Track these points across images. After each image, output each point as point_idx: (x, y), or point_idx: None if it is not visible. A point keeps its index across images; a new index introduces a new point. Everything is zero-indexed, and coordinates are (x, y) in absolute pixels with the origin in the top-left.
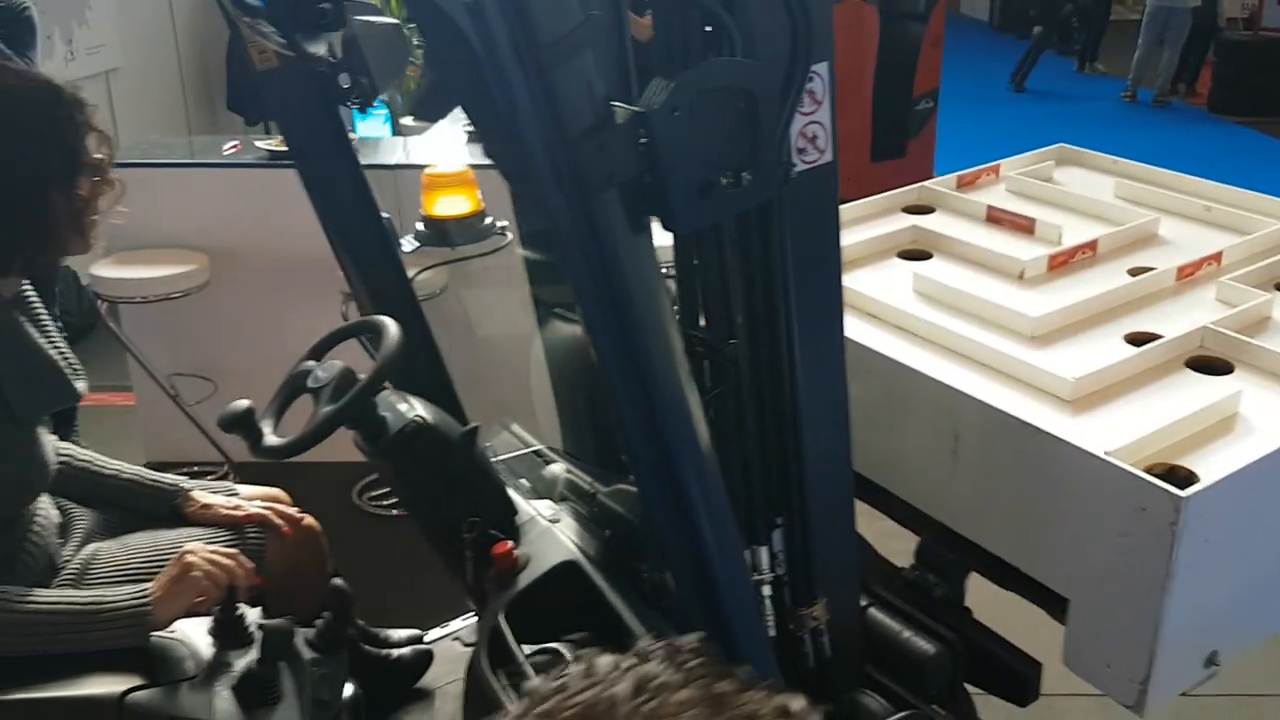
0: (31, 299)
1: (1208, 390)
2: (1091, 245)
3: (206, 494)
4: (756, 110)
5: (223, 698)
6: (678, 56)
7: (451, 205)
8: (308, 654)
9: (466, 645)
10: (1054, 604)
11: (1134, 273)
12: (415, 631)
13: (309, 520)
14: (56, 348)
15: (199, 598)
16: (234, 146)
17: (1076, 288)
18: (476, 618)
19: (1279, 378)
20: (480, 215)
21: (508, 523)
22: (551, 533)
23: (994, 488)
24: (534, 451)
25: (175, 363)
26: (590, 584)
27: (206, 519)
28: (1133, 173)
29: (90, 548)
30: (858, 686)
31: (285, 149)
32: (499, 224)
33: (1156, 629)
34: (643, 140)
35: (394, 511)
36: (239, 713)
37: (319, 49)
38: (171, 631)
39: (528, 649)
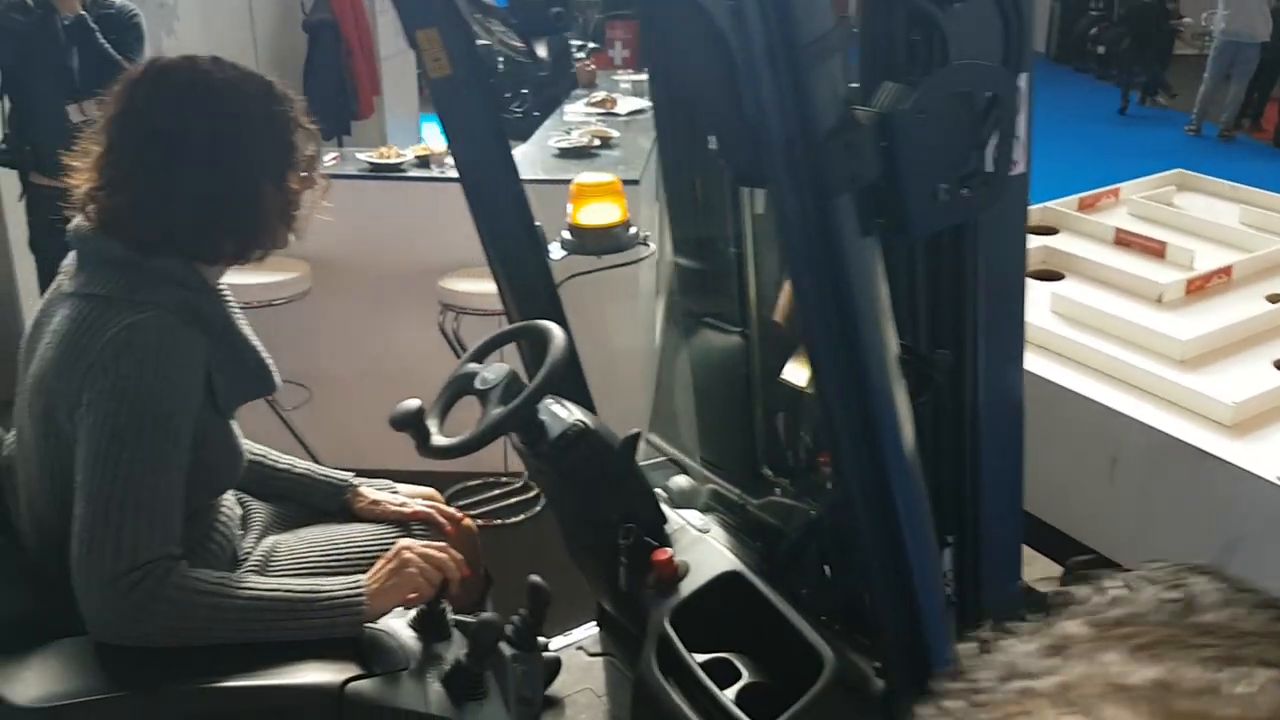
0: (227, 291)
1: None
2: (1226, 271)
3: (373, 490)
4: (998, 115)
5: (435, 690)
6: (881, 63)
7: (599, 214)
8: (507, 650)
9: (591, 655)
10: None
11: (1272, 299)
12: (540, 639)
13: (467, 520)
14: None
15: (413, 593)
16: (334, 158)
17: (1216, 312)
18: (598, 628)
19: None
20: (626, 225)
21: (659, 530)
22: (706, 542)
23: (1155, 512)
24: (670, 460)
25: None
26: (753, 593)
27: (375, 515)
28: (1254, 199)
29: (269, 540)
30: None
31: (386, 161)
32: (643, 234)
33: None
34: (882, 144)
35: (479, 521)
36: (451, 706)
37: (542, 50)
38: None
39: (698, 657)
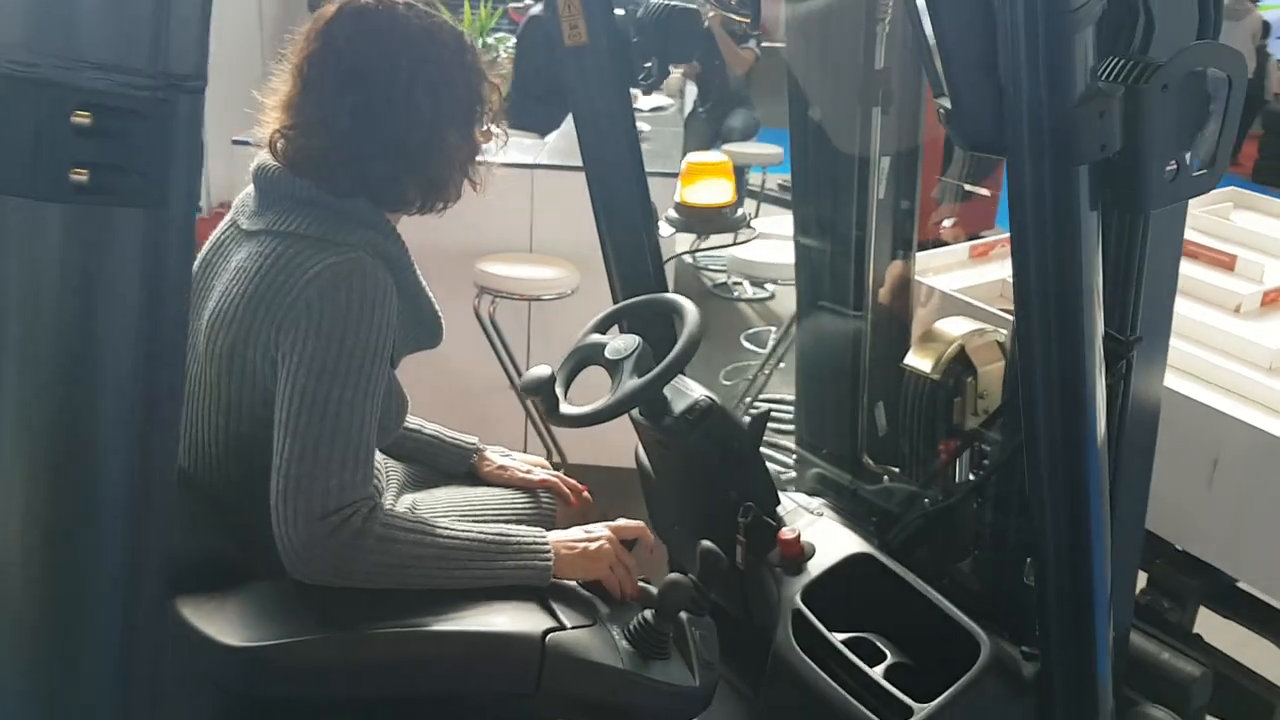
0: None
1: None
2: None
3: (497, 454)
4: (1231, 96)
5: (624, 648)
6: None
7: (709, 193)
8: (683, 614)
9: None
10: None
11: None
12: None
13: (587, 493)
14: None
15: (594, 580)
16: None
17: None
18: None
19: None
20: (734, 206)
21: (774, 511)
22: (825, 523)
23: (1257, 515)
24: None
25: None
26: (887, 574)
27: (502, 479)
28: None
29: (407, 498)
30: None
31: None
32: (748, 215)
33: None
34: (1127, 116)
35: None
36: (641, 662)
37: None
38: None
39: (839, 636)
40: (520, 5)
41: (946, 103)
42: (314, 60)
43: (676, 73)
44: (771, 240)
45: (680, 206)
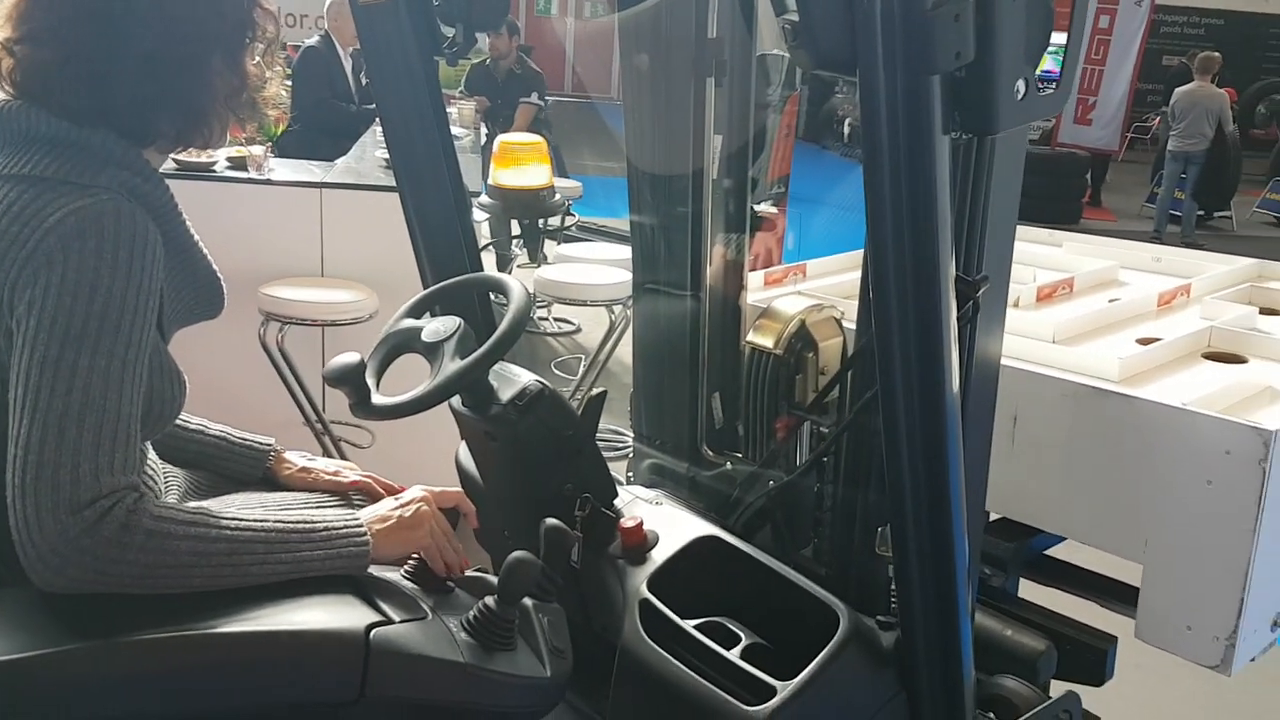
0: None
1: (1233, 372)
2: (1069, 283)
3: (299, 456)
4: (1071, 12)
5: (463, 639)
6: None
7: (525, 176)
8: (527, 601)
9: None
10: (1111, 594)
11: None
12: None
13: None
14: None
15: (417, 552)
16: None
17: (1066, 312)
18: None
19: None
20: (551, 190)
21: (611, 503)
22: (666, 511)
23: (1057, 464)
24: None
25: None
26: (736, 556)
27: (306, 483)
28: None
29: (191, 506)
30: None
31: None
32: (568, 200)
33: (1245, 578)
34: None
35: None
36: (484, 655)
37: None
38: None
39: (690, 623)
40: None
41: (793, 17)
42: None
43: (468, 107)
44: (578, 264)
45: (493, 190)
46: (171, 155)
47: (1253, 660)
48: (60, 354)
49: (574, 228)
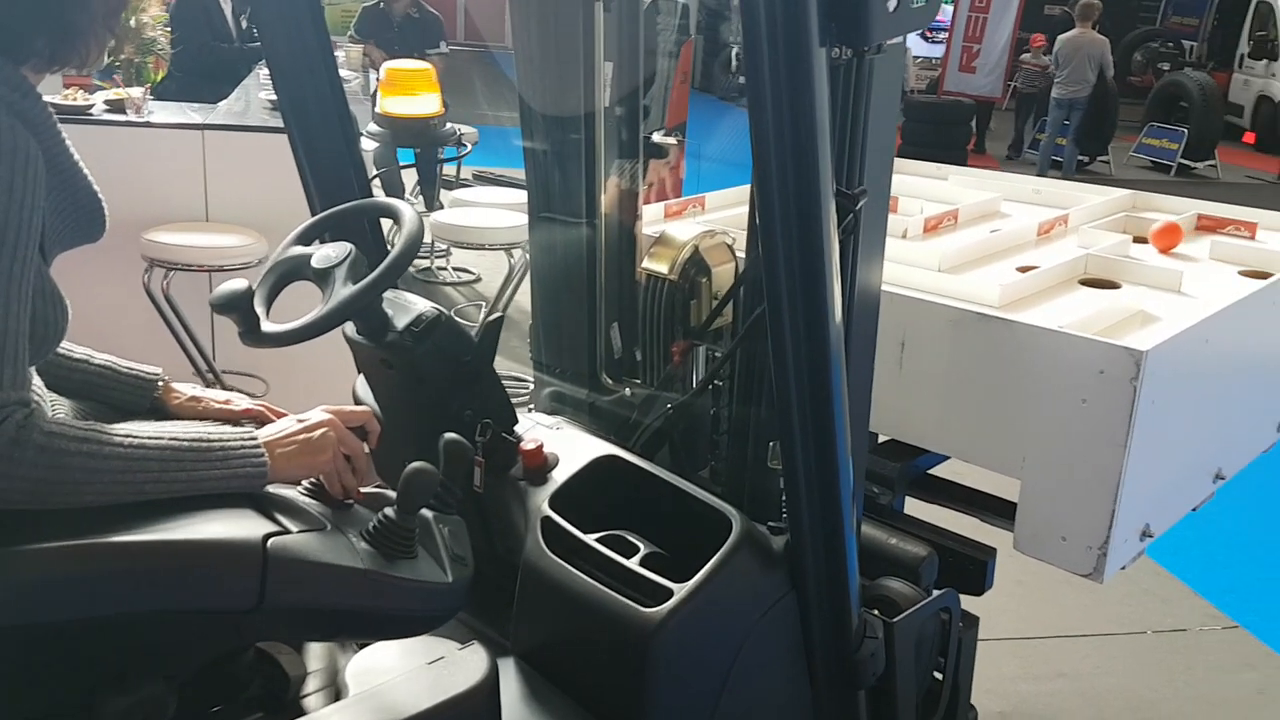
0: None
1: (1108, 297)
2: (954, 214)
3: (190, 387)
4: None
5: (363, 548)
6: None
7: (414, 104)
8: (426, 512)
9: None
10: (992, 510)
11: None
12: None
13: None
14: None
15: (316, 475)
16: None
17: (951, 242)
18: None
19: (1162, 288)
20: (442, 119)
21: (512, 429)
22: (568, 433)
23: (942, 387)
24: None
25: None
26: (635, 472)
27: (196, 411)
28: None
29: (83, 424)
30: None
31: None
32: (460, 129)
33: (1116, 490)
34: None
35: None
36: (385, 562)
37: None
38: None
39: (590, 536)
40: None
41: None
42: None
43: (356, 50)
44: (476, 208)
45: (381, 118)
46: (50, 99)
47: (1123, 569)
48: None
49: (471, 177)
